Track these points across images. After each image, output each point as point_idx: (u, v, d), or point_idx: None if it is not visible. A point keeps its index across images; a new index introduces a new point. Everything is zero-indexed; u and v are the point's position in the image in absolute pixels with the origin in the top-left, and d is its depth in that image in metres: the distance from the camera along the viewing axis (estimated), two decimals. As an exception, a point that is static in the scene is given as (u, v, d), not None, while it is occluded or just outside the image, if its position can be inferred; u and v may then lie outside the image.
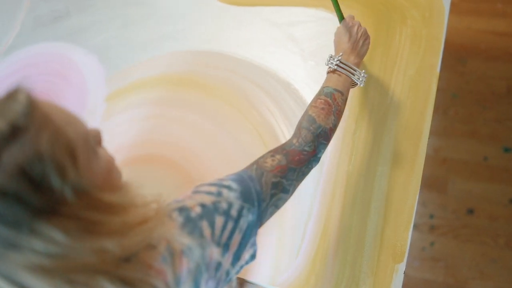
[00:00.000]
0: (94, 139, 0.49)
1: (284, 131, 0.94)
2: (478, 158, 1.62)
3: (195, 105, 1.01)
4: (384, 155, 0.88)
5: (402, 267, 0.80)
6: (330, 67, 0.76)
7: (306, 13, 1.04)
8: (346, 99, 0.75)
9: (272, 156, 0.63)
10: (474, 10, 1.86)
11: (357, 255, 0.82)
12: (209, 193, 0.55)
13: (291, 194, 0.65)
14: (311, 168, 0.68)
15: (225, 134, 0.97)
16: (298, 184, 0.66)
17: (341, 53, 0.77)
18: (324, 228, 0.85)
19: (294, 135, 0.68)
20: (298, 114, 0.94)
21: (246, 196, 0.56)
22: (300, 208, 0.87)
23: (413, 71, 0.93)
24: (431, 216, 1.56)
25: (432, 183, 1.60)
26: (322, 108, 0.69)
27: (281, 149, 0.65)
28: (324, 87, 0.74)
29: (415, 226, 1.52)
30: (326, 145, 0.69)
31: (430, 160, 1.63)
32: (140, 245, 0.44)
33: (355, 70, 0.76)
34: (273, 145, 0.93)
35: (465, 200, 1.57)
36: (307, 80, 0.97)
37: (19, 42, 1.21)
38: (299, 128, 0.69)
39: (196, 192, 0.56)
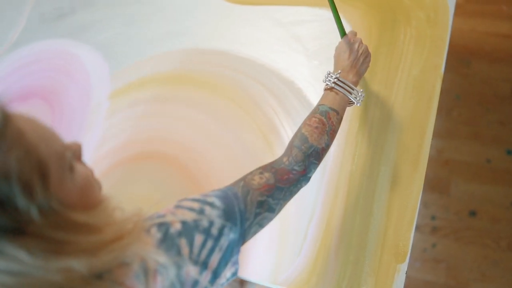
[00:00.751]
0: (73, 154, 0.47)
1: (287, 130, 0.94)
2: (481, 160, 1.62)
3: (199, 103, 1.01)
4: (387, 155, 0.87)
5: (404, 267, 0.79)
6: (327, 84, 0.74)
7: (310, 13, 1.04)
8: (342, 118, 0.73)
9: (261, 173, 0.63)
10: (478, 11, 1.86)
11: (359, 254, 0.82)
12: (191, 209, 0.54)
13: (277, 213, 0.64)
14: (300, 187, 0.67)
15: (228, 132, 0.97)
16: (285, 204, 0.65)
17: (339, 71, 0.76)
18: (327, 227, 0.85)
19: (285, 153, 0.67)
20: (301, 113, 0.94)
21: (228, 214, 0.55)
22: (302, 207, 0.87)
23: (417, 71, 0.93)
24: (433, 218, 1.56)
25: (434, 184, 1.60)
26: (316, 127, 0.68)
27: (270, 167, 0.64)
28: (319, 105, 0.72)
29: (417, 227, 1.52)
30: (317, 165, 0.68)
31: (433, 161, 1.63)
32: (112, 263, 0.43)
33: (353, 89, 0.75)
34: (275, 144, 0.93)
35: (468, 202, 1.56)
36: (311, 79, 0.97)
37: (23, 39, 1.22)
38: (290, 146, 0.68)
39: (178, 207, 0.55)
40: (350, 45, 0.78)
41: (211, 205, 0.55)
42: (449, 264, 1.49)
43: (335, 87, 0.73)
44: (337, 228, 0.85)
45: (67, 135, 1.05)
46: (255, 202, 0.59)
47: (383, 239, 0.82)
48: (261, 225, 0.61)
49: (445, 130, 1.68)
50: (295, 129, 0.94)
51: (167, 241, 0.50)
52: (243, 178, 0.62)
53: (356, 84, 0.77)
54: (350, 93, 0.74)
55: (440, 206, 1.57)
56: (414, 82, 0.92)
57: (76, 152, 0.49)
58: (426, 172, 0.86)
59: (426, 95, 0.91)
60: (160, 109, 1.03)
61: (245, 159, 0.94)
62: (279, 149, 0.93)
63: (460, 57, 1.79)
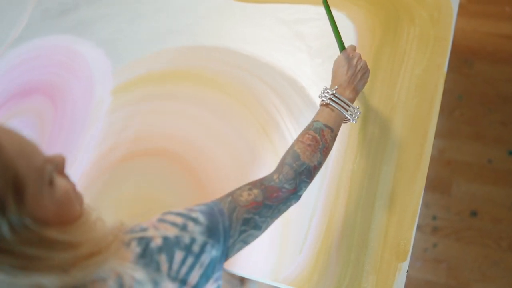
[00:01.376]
0: (55, 167, 0.47)
1: (290, 128, 0.94)
2: (483, 160, 1.62)
3: (201, 100, 1.01)
4: (389, 154, 0.87)
5: (405, 266, 0.79)
6: (323, 100, 0.74)
7: (314, 11, 1.04)
8: (336, 135, 0.73)
9: (250, 189, 0.62)
10: (481, 12, 1.85)
11: (361, 253, 0.82)
12: (173, 224, 0.53)
13: (264, 230, 0.63)
14: (290, 205, 0.66)
15: (231, 130, 0.97)
16: (273, 221, 0.64)
17: (336, 86, 0.75)
18: (328, 226, 0.85)
19: (276, 170, 0.66)
20: (304, 111, 0.94)
21: (212, 231, 0.55)
22: (304, 205, 0.87)
23: (420, 71, 0.93)
24: (434, 218, 1.56)
25: (436, 184, 1.60)
26: (309, 145, 0.68)
27: (260, 184, 0.63)
28: (314, 121, 0.72)
29: (418, 227, 1.52)
30: (308, 183, 0.67)
31: (435, 161, 1.63)
32: (85, 279, 0.43)
33: (349, 106, 0.73)
34: (278, 142, 0.93)
35: (469, 202, 1.56)
36: (314, 77, 0.97)
37: (27, 34, 1.22)
38: (282, 163, 0.67)
39: (161, 221, 0.54)
40: (348, 60, 0.77)
41: (195, 221, 0.54)
42: (450, 264, 1.49)
43: (330, 103, 0.72)
44: (338, 227, 0.85)
45: (69, 131, 1.05)
46: (240, 220, 0.58)
47: (384, 238, 0.82)
48: (246, 242, 0.60)
49: (447, 130, 1.68)
50: (298, 128, 0.95)
51: (147, 256, 0.50)
52: (231, 193, 0.61)
53: (352, 100, 0.76)
54: (346, 110, 0.73)
55: (441, 206, 1.57)
56: (417, 81, 0.92)
57: (58, 165, 0.48)
58: (427, 172, 0.86)
59: (429, 95, 0.91)
60: (163, 106, 1.03)
61: (247, 156, 0.94)
62: (281, 147, 0.93)
63: (462, 57, 1.79)
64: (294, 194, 0.65)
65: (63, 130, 1.06)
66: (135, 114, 1.03)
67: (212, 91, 1.01)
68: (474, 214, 1.54)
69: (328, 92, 0.74)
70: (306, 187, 0.67)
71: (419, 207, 0.83)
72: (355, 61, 0.77)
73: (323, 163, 0.70)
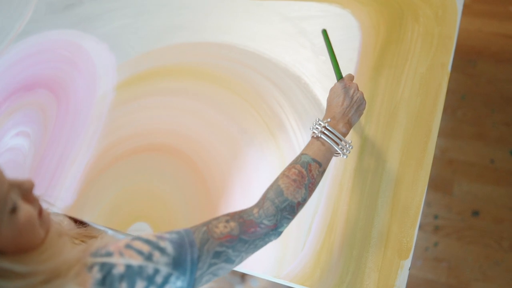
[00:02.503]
0: (21, 193, 0.47)
1: (293, 124, 0.94)
2: (485, 160, 1.61)
3: (205, 96, 1.01)
4: (392, 152, 0.87)
5: (407, 263, 0.79)
6: (314, 132, 0.71)
7: (318, 8, 1.03)
8: (325, 170, 0.70)
9: (227, 221, 0.60)
10: (485, 12, 1.85)
11: (363, 250, 0.82)
12: (139, 252, 0.52)
13: (238, 264, 0.61)
14: (269, 241, 0.64)
15: (234, 126, 0.97)
16: (248, 256, 0.62)
17: (329, 119, 0.72)
18: (331, 222, 0.85)
19: (257, 204, 0.64)
20: (308, 108, 0.94)
21: (178, 263, 0.53)
22: (307, 202, 0.87)
23: (424, 69, 0.93)
24: (436, 217, 1.56)
25: (438, 183, 1.60)
26: (294, 180, 0.65)
27: (239, 216, 0.61)
28: (302, 154, 0.69)
29: (419, 226, 1.52)
30: (290, 219, 0.64)
31: (437, 161, 1.63)
32: None
33: (341, 140, 0.71)
34: (281, 138, 0.93)
35: (471, 202, 1.56)
36: (318, 74, 0.97)
37: (30, 28, 1.22)
38: (264, 197, 0.64)
39: (128, 247, 0.52)
40: (345, 90, 0.74)
41: (162, 251, 0.53)
42: (451, 264, 1.49)
43: (322, 136, 0.70)
44: (341, 223, 0.85)
45: (72, 126, 1.05)
46: (211, 252, 0.57)
47: (387, 235, 0.82)
48: (215, 275, 0.58)
49: (449, 130, 1.67)
50: (301, 124, 0.95)
51: (106, 283, 0.49)
52: (208, 223, 0.60)
53: (345, 134, 0.73)
54: (338, 144, 0.70)
55: (443, 205, 1.57)
56: (421, 80, 0.92)
57: (25, 190, 0.48)
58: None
59: (433, 93, 0.90)
60: (165, 102, 1.03)
61: (250, 153, 0.94)
62: (284, 144, 0.93)
63: (466, 57, 1.78)
64: (274, 230, 0.63)
65: (66, 125, 1.06)
66: (138, 109, 1.03)
67: (215, 87, 1.01)
68: (475, 214, 1.54)
69: (320, 124, 0.71)
70: (287, 223, 0.64)
71: (422, 205, 0.83)
72: (351, 91, 0.74)
73: (308, 199, 0.67)
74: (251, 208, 0.63)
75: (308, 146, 0.71)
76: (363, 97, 0.76)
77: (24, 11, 1.25)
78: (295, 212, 0.65)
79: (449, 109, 1.70)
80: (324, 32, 0.73)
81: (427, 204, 1.57)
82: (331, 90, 0.77)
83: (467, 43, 1.80)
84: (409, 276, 0.79)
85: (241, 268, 0.86)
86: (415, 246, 0.81)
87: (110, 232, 1.55)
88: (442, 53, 0.93)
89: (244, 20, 1.07)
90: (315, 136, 0.71)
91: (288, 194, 0.64)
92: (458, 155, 1.63)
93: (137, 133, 1.01)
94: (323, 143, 0.70)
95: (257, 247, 0.62)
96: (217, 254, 0.57)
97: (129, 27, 1.14)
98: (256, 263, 0.85)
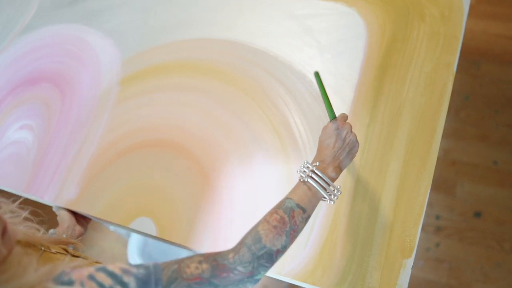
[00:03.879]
0: None
1: (297, 122, 0.94)
2: (488, 162, 1.61)
3: (209, 93, 1.01)
4: (396, 151, 0.87)
5: (410, 262, 0.79)
6: (302, 176, 0.67)
7: (323, 6, 1.03)
8: (309, 217, 0.66)
9: (199, 262, 0.58)
10: (490, 13, 1.85)
11: (365, 248, 0.82)
12: (101, 285, 0.50)
13: None
14: None
15: (238, 123, 0.97)
16: None
17: (318, 162, 0.68)
18: (334, 220, 0.85)
19: (233, 248, 0.61)
20: (312, 105, 0.94)
21: None
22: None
23: (430, 68, 0.92)
24: (438, 217, 1.56)
25: (440, 184, 1.60)
26: (274, 226, 0.62)
27: (213, 259, 0.59)
28: (286, 198, 0.66)
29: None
30: (268, 267, 0.62)
31: (440, 161, 1.62)
32: None
33: (329, 185, 0.67)
34: (285, 136, 0.93)
35: (473, 203, 1.56)
36: (323, 72, 0.97)
37: (35, 23, 1.22)
38: (241, 242, 0.62)
39: (91, 278, 0.51)
40: (338, 131, 0.71)
41: (124, 286, 0.52)
42: (452, 264, 1.49)
43: (309, 181, 0.66)
44: (344, 221, 0.85)
45: (76, 120, 1.05)
46: None
47: (390, 234, 0.82)
48: None
49: (452, 130, 1.67)
50: (305, 122, 0.95)
51: None
52: (180, 261, 0.58)
53: (334, 180, 0.68)
54: (325, 189, 0.66)
55: (445, 206, 1.57)
56: (426, 79, 0.92)
57: None
58: (432, 171, 0.86)
59: (438, 93, 0.90)
60: (170, 97, 1.03)
61: (253, 149, 0.94)
62: (288, 141, 0.93)
63: (470, 58, 1.78)
64: (250, 278, 0.60)
65: (70, 119, 1.06)
66: (143, 104, 1.03)
67: (220, 83, 1.01)
68: (477, 215, 1.54)
69: (308, 167, 0.67)
70: (265, 271, 0.62)
71: (425, 204, 0.83)
72: (344, 133, 0.71)
73: (289, 246, 0.64)
74: (227, 252, 0.61)
75: (294, 189, 0.67)
76: (356, 140, 0.72)
77: (29, 6, 1.25)
78: (274, 260, 0.62)
79: (452, 109, 1.70)
80: (317, 74, 0.71)
81: (429, 204, 1.57)
82: (323, 130, 0.73)
83: (472, 44, 1.80)
84: (410, 276, 0.79)
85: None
86: (417, 246, 0.81)
87: (112, 227, 1.54)
88: (447, 53, 0.93)
89: (249, 18, 1.07)
90: (302, 180, 0.67)
91: (267, 241, 0.61)
92: (461, 156, 1.63)
93: (141, 128, 1.01)
94: (310, 187, 0.66)
95: None
96: None
97: (135, 22, 1.14)
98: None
